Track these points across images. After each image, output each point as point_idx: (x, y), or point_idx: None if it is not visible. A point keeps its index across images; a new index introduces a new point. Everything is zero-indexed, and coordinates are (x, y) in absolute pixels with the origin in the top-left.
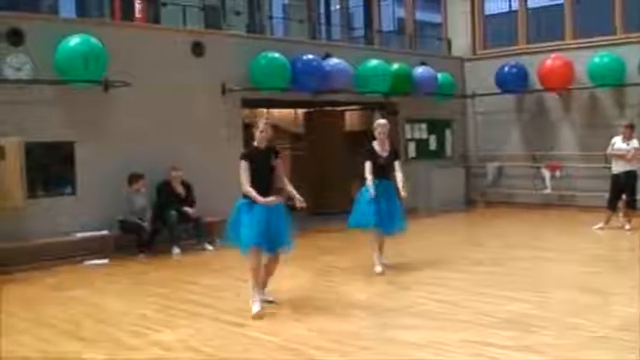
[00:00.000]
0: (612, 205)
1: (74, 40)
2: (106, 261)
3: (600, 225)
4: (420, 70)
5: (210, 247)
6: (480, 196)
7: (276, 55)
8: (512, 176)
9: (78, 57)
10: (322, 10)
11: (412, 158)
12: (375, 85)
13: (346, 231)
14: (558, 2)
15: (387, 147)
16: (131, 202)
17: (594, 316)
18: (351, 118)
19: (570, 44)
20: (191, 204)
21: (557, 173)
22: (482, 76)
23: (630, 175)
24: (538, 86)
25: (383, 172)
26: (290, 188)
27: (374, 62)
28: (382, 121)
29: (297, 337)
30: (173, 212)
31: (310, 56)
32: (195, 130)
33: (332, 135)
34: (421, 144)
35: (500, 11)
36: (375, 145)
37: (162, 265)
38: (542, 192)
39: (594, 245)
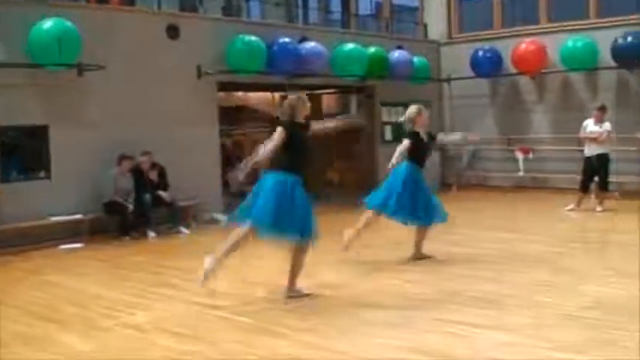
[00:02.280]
0: (584, 187)
1: (48, 23)
2: (80, 245)
3: (572, 206)
4: (396, 54)
5: (185, 231)
6: (455, 178)
7: (253, 38)
8: (486, 159)
9: (52, 40)
10: None
11: (388, 141)
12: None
13: (320, 214)
14: None
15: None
16: (117, 183)
17: (564, 295)
18: (328, 102)
19: (544, 28)
20: (165, 188)
21: (530, 156)
22: (457, 60)
23: (602, 158)
24: (512, 70)
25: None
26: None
27: (350, 46)
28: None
29: (270, 318)
30: (147, 196)
31: (286, 39)
32: (170, 114)
33: (309, 118)
34: (397, 127)
35: None
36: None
37: (137, 248)
38: (515, 174)
39: (566, 226)
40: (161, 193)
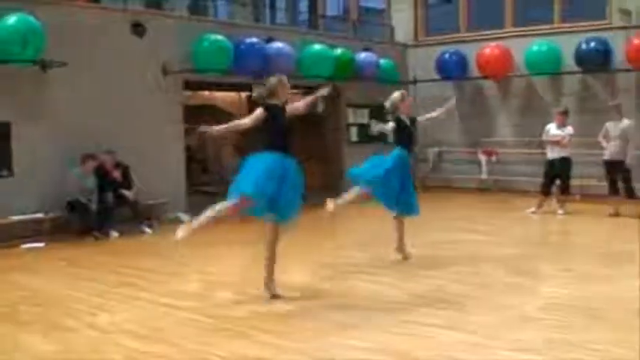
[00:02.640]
0: (546, 190)
1: (11, 19)
2: (42, 244)
3: (533, 209)
4: (362, 56)
5: (148, 230)
6: (421, 180)
7: (219, 37)
8: (451, 161)
9: (16, 36)
10: None
11: (354, 142)
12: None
13: None
14: None
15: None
16: (82, 182)
17: (523, 296)
18: (294, 102)
19: (509, 33)
20: (128, 187)
21: (493, 158)
22: (423, 62)
23: (565, 161)
24: (477, 73)
25: (410, 140)
26: (307, 100)
27: (317, 47)
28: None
29: (235, 318)
30: (110, 195)
31: (253, 39)
32: (135, 112)
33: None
34: (362, 129)
35: None
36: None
37: (99, 248)
38: (478, 177)
39: (527, 228)
40: (124, 191)
